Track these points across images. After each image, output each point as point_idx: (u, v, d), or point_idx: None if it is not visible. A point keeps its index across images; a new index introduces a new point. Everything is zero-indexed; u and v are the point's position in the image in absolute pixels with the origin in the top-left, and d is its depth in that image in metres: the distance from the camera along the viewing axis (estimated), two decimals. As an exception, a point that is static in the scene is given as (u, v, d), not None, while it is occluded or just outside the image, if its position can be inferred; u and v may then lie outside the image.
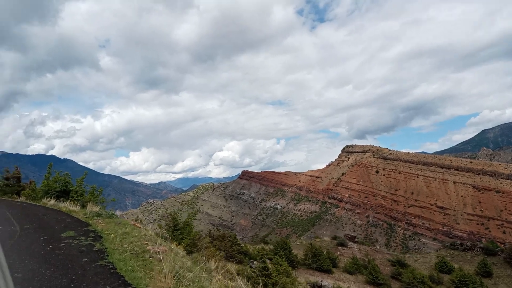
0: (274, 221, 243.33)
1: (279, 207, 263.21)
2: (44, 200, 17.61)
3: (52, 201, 17.14)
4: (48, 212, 13.95)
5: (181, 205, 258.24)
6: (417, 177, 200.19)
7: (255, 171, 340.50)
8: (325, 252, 39.80)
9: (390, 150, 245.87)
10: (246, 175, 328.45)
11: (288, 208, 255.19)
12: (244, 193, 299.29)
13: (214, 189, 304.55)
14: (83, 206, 16.63)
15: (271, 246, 42.37)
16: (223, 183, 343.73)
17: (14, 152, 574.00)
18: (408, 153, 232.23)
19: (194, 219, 20.28)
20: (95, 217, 12.87)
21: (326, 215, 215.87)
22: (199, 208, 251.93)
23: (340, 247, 50.58)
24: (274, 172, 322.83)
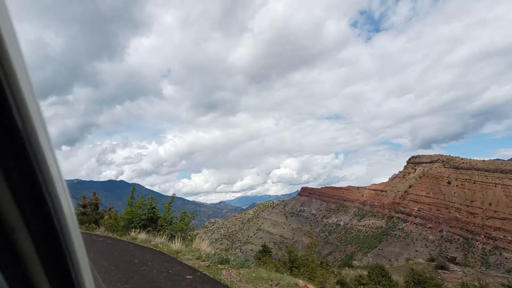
0: (338, 238, 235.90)
1: (342, 223, 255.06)
2: (133, 234, 13.77)
3: (143, 235, 13.18)
4: (145, 256, 9.31)
5: (242, 223, 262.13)
6: (495, 186, 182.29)
7: (314, 187, 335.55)
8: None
9: (462, 158, 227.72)
10: (306, 192, 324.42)
11: (352, 224, 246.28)
12: (305, 210, 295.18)
13: (274, 207, 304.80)
14: (185, 240, 12.53)
15: (362, 272, 38.10)
16: (283, 201, 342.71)
17: (88, 179, 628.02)
18: (484, 160, 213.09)
19: (313, 251, 14.42)
20: (220, 265, 8.57)
21: (394, 231, 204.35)
22: (260, 226, 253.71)
23: (440, 271, 43.83)
24: (334, 187, 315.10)
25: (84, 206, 21.20)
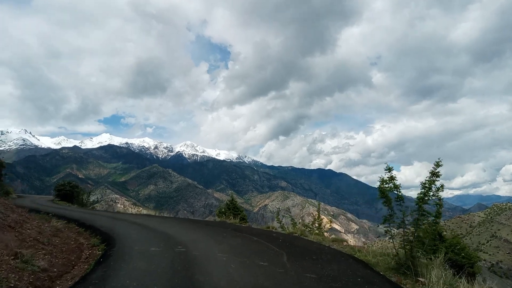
0: None
1: None
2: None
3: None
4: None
5: (469, 227, 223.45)
6: None
7: None
8: None
9: None
10: None
11: None
12: None
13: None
14: None
15: None
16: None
17: (300, 167, 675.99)
18: None
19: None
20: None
21: None
22: (495, 232, 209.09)
23: None
24: None
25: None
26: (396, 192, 6.81)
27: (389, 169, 6.82)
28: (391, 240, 6.87)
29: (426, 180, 6.43)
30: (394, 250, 7.08)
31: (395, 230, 6.79)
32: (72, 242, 9.96)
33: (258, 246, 8.88)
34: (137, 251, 7.76)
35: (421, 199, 6.38)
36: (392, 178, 6.78)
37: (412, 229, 6.50)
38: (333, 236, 13.61)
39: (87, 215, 18.21)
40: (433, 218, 6.50)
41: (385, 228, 6.91)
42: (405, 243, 6.47)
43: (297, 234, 11.34)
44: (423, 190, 6.40)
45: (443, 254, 6.69)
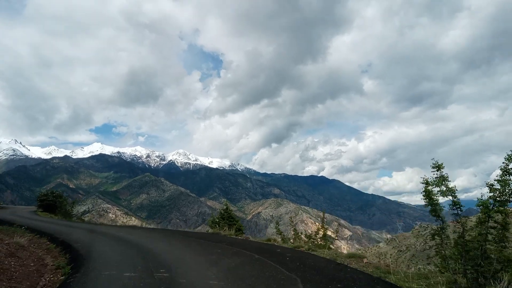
0: None
1: None
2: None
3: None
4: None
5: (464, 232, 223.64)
6: None
7: None
8: None
9: None
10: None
11: None
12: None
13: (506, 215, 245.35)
14: None
15: None
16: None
17: (292, 174, 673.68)
18: None
19: None
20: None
21: None
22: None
23: None
24: None
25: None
26: (450, 197, 5.16)
27: (438, 167, 5.22)
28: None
29: (496, 180, 4.80)
30: (435, 269, 5.47)
31: (450, 248, 5.14)
32: (33, 264, 8.17)
33: (262, 268, 6.78)
34: (105, 278, 6.00)
35: (489, 207, 4.73)
36: (443, 179, 5.18)
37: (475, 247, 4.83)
38: (333, 249, 12.04)
39: (64, 227, 16.39)
40: (501, 230, 4.85)
41: (435, 249, 5.25)
42: (467, 267, 4.81)
43: (304, 249, 9.61)
44: (492, 194, 4.77)
45: (506, 277, 5.04)
